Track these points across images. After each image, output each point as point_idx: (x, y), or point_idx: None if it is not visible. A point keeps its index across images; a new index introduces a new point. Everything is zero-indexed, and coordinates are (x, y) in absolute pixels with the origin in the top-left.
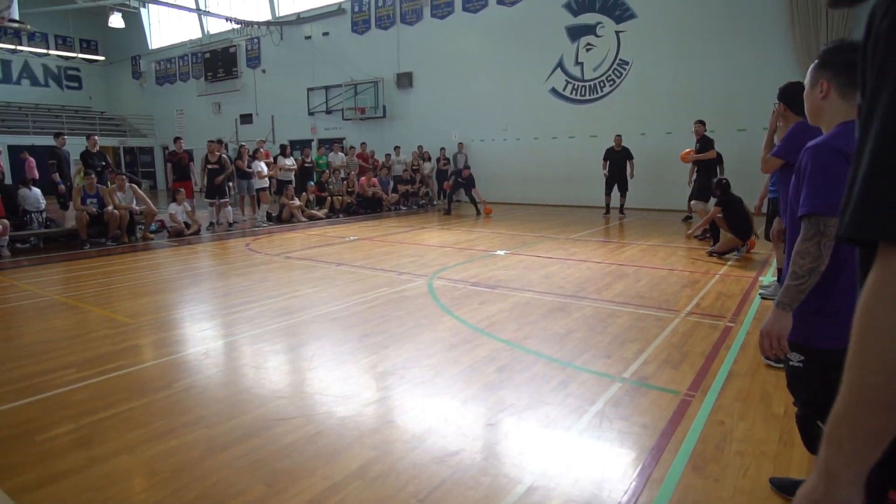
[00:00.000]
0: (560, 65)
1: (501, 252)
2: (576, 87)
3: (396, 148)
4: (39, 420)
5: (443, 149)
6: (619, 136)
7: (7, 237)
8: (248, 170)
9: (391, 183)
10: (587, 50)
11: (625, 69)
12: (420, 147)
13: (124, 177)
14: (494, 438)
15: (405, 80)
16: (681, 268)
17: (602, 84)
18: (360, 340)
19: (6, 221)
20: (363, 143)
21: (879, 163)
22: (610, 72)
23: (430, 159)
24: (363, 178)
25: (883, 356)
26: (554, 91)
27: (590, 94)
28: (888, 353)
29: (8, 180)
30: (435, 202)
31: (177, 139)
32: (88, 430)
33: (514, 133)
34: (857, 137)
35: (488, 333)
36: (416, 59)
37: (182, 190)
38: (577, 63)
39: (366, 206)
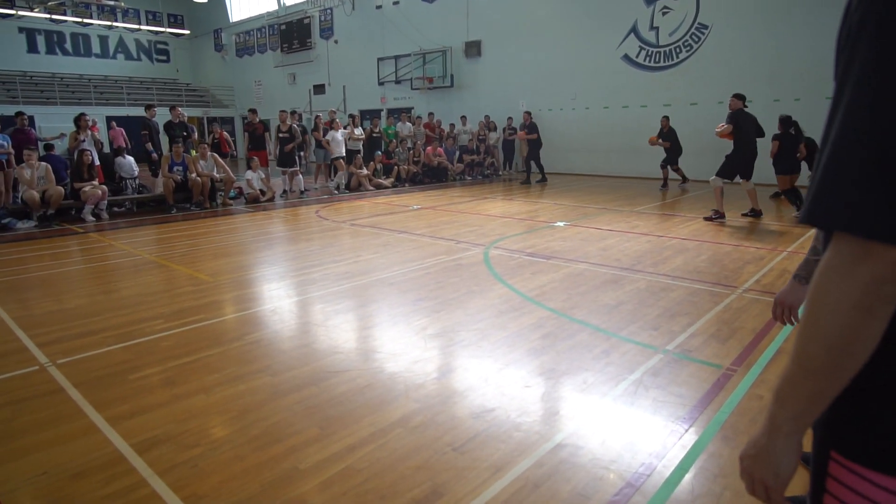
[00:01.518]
0: (634, 30)
1: (561, 223)
2: (650, 53)
3: (463, 118)
4: (133, 362)
5: (510, 118)
6: (665, 117)
7: (106, 202)
8: (324, 139)
9: (457, 153)
10: (663, 14)
11: (703, 33)
12: (487, 117)
13: (206, 146)
14: (530, 399)
15: (473, 48)
16: (748, 244)
17: (678, 50)
18: (414, 304)
19: (105, 187)
20: (430, 113)
21: (834, 154)
22: (687, 37)
23: (496, 129)
24: (429, 148)
25: (822, 330)
26: (626, 58)
27: (664, 61)
28: (827, 328)
29: (106, 149)
30: (500, 172)
31: (252, 110)
32: (173, 372)
33: (584, 102)
34: (825, 125)
35: (537, 302)
36: (485, 27)
37: (256, 158)
38: (653, 28)
39: (431, 176)
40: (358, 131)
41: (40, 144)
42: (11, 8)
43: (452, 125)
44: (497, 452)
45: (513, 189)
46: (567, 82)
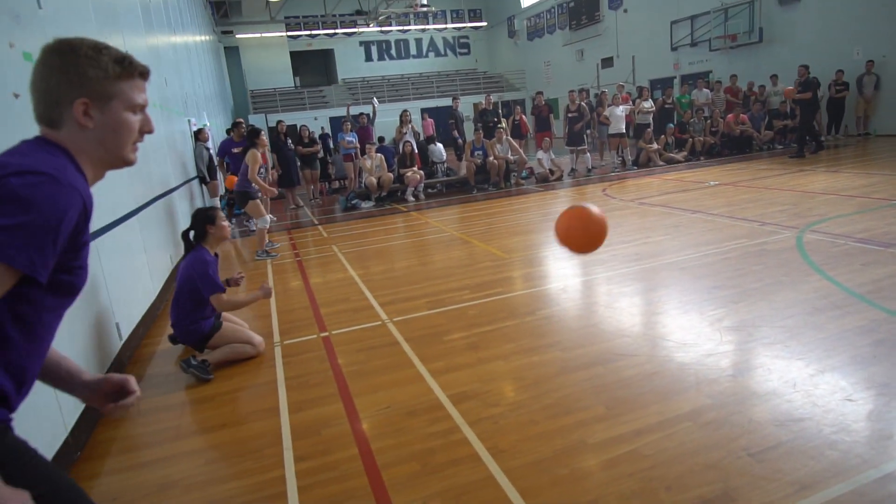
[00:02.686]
0: None
1: None
2: None
3: (773, 77)
4: (445, 325)
5: (840, 71)
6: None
7: (423, 184)
8: (602, 115)
9: (766, 118)
10: None
11: None
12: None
13: (501, 129)
14: (853, 416)
15: None
16: None
17: None
18: (709, 292)
19: (422, 172)
20: (733, 76)
21: None
22: None
23: (819, 86)
24: (730, 116)
25: None
26: None
27: None
28: None
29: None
30: (823, 138)
31: (538, 93)
32: (477, 338)
33: None
34: None
35: (869, 300)
36: None
37: (547, 139)
38: None
39: (732, 147)
40: (647, 104)
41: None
42: (354, 27)
43: (763, 87)
44: (804, 468)
45: (840, 159)
46: None
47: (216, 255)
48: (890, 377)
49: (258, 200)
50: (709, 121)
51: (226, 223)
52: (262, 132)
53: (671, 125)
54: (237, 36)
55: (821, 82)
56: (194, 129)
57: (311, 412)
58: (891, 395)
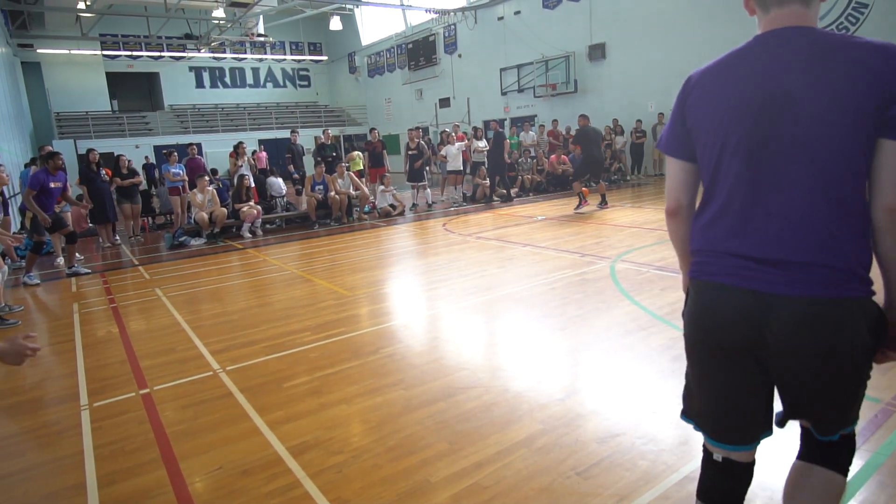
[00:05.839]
0: None
1: None
2: None
3: None
4: (285, 371)
5: (639, 121)
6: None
7: (260, 219)
8: (441, 155)
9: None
10: None
11: (862, 14)
12: (615, 120)
13: (343, 165)
14: (658, 426)
15: (598, 51)
16: None
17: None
18: (540, 321)
19: (259, 207)
20: (554, 121)
21: None
22: (843, 18)
23: (623, 133)
24: (553, 157)
25: None
26: None
27: None
28: None
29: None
30: (628, 177)
31: (372, 129)
32: (319, 382)
33: None
34: None
35: (667, 321)
36: (610, 28)
37: (386, 174)
38: None
39: (555, 185)
40: (482, 143)
41: (208, 170)
42: (183, 51)
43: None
44: (621, 480)
45: (642, 195)
46: None
47: None
48: None
49: None
50: (535, 160)
51: None
52: None
53: None
54: (39, 51)
55: (624, 129)
56: None
57: (127, 484)
58: None
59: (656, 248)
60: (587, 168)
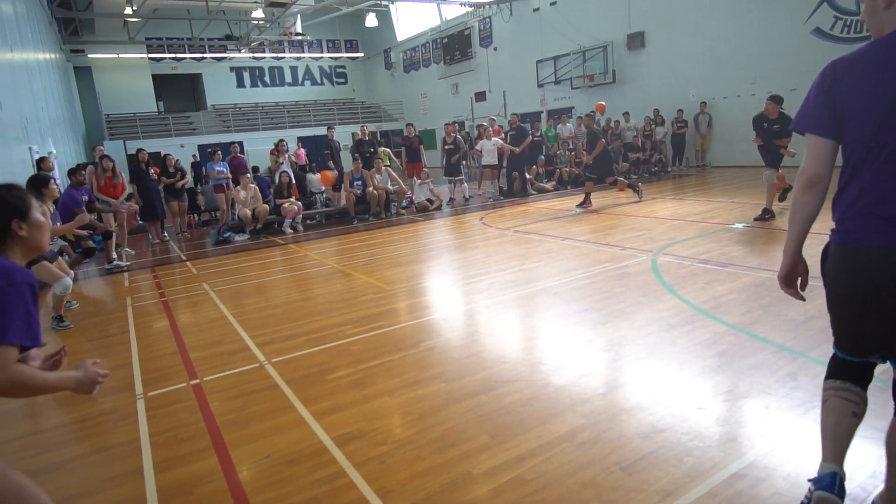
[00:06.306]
0: None
1: (740, 225)
2: (848, 23)
3: (625, 114)
4: (328, 363)
5: (680, 110)
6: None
7: (301, 215)
8: (476, 150)
9: (622, 151)
10: None
11: None
12: (656, 111)
13: (380, 160)
14: (704, 422)
15: (636, 40)
16: None
17: None
18: (580, 315)
19: (300, 203)
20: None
21: None
22: None
23: (663, 123)
24: None
25: None
26: (818, 31)
27: (867, 30)
28: None
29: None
30: (669, 168)
31: (408, 125)
32: (362, 374)
33: (765, 86)
34: None
35: (712, 315)
36: (649, 16)
37: (425, 170)
38: None
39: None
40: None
41: (250, 168)
42: (224, 52)
43: (617, 122)
44: (667, 476)
45: (684, 187)
46: (744, 66)
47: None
48: (732, 384)
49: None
50: (573, 153)
51: (43, 219)
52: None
53: (541, 157)
54: (90, 55)
55: (665, 119)
56: (36, 157)
57: (181, 470)
58: (733, 401)
59: (699, 241)
60: (598, 168)
